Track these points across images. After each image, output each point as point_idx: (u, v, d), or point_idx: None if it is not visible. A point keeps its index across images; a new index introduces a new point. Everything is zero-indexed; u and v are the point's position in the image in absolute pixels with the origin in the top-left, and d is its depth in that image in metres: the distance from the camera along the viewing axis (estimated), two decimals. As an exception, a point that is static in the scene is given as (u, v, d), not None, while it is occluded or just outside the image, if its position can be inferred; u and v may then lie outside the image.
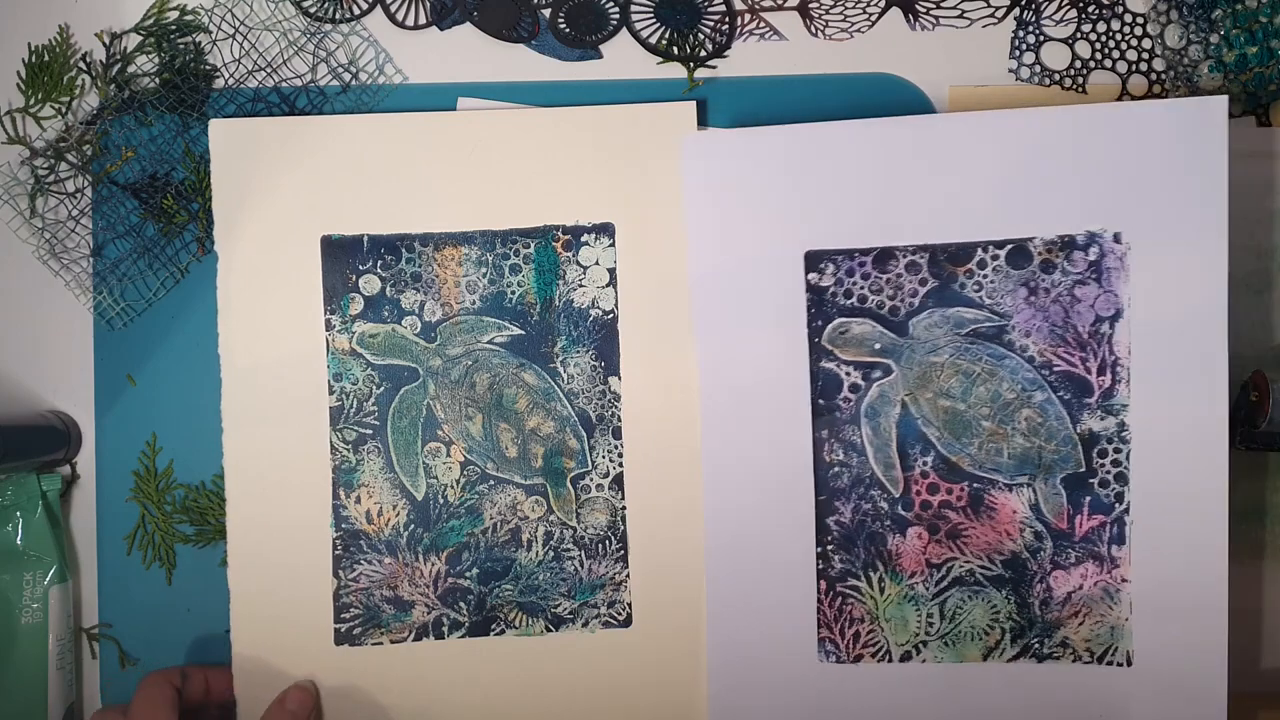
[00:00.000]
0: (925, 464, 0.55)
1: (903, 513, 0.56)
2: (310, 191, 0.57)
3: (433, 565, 0.58)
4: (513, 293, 0.57)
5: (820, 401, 0.56)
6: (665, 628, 0.57)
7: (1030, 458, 0.54)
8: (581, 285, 0.57)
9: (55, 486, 0.60)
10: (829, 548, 0.56)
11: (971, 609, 0.55)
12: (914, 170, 0.54)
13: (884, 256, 0.55)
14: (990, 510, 0.55)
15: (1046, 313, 0.54)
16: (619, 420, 0.57)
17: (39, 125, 0.60)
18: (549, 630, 0.58)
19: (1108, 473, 0.54)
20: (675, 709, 0.57)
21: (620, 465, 0.57)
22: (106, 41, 0.60)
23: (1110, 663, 0.54)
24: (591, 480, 0.58)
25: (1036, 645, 0.55)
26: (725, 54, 0.60)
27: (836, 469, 0.56)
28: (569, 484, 0.58)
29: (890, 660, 0.56)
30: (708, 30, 0.60)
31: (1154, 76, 0.59)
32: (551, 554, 0.58)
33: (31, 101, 0.60)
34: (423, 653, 0.58)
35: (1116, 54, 0.59)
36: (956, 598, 0.56)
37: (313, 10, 0.59)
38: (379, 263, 0.57)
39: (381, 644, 0.57)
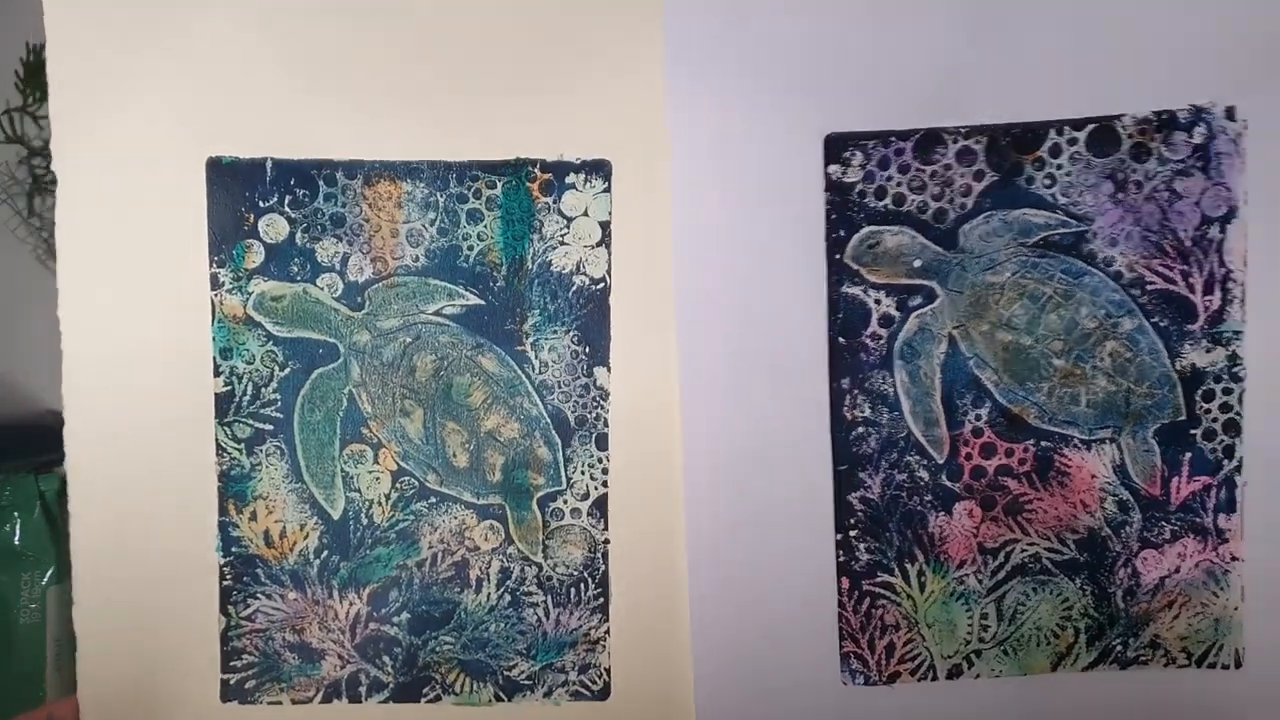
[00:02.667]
0: (978, 418, 0.43)
1: (948, 483, 0.43)
2: (192, 93, 0.45)
3: (351, 605, 0.47)
4: (470, 248, 0.46)
5: (841, 340, 0.43)
6: (654, 702, 0.46)
7: (1115, 405, 0.43)
8: (563, 243, 0.45)
9: (53, 487, 0.58)
10: (852, 534, 0.43)
11: (1037, 605, 0.44)
12: (969, 28, 0.41)
13: (928, 141, 0.42)
14: (1062, 476, 0.43)
15: (1138, 214, 0.42)
16: (605, 425, 0.46)
17: (37, 124, 0.60)
18: (500, 699, 0.47)
19: (1214, 420, 0.42)
20: None
21: (604, 485, 0.46)
22: (99, 40, 0.57)
23: (1213, 665, 0.43)
24: (565, 503, 0.46)
25: (1119, 648, 0.44)
26: None
27: (861, 429, 0.43)
28: (535, 507, 0.46)
29: (934, 678, 0.44)
30: None
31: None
32: (508, 598, 0.47)
33: (29, 101, 0.60)
34: (333, 718, 0.47)
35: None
36: (1018, 592, 0.44)
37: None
38: (287, 198, 0.45)
39: (280, 703, 0.47)
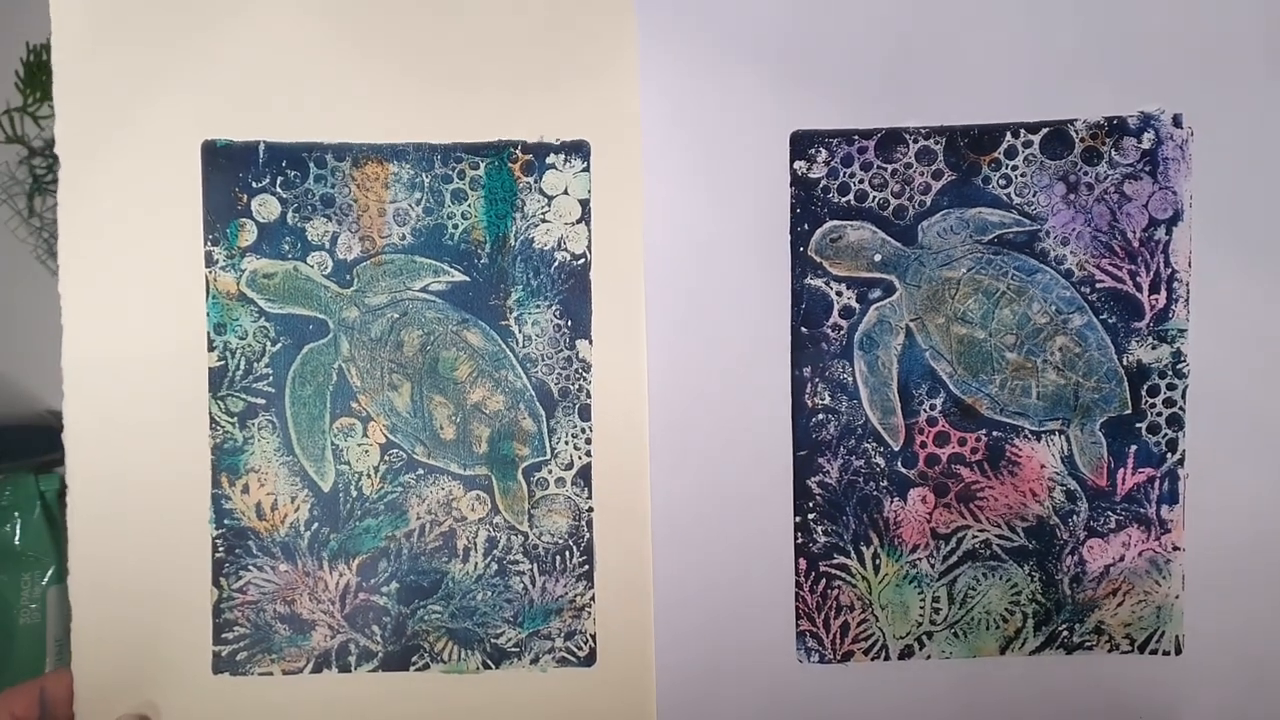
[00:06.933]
0: (933, 408, 0.45)
1: (904, 470, 0.45)
2: (191, 80, 0.46)
3: (341, 576, 0.48)
4: (455, 226, 0.47)
5: (803, 330, 0.45)
6: (638, 667, 0.47)
7: (1064, 398, 0.45)
8: (545, 220, 0.47)
9: (53, 486, 0.59)
10: (810, 517, 0.45)
11: (987, 590, 0.46)
12: (930, 32, 0.44)
13: (890, 140, 0.44)
14: (1013, 465, 0.45)
15: (1089, 215, 0.44)
16: (588, 396, 0.47)
17: (37, 124, 0.61)
18: (487, 666, 0.48)
19: (1159, 415, 0.45)
20: None
21: (588, 455, 0.47)
22: (103, 39, 0.59)
23: (1154, 651, 0.46)
24: (550, 473, 0.48)
25: (1065, 633, 0.46)
26: None
27: (821, 416, 0.45)
28: (520, 477, 0.48)
29: (887, 657, 0.46)
30: None
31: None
32: (495, 567, 0.48)
33: (30, 101, 0.60)
34: (323, 688, 0.48)
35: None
36: (969, 576, 0.46)
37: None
38: (279, 179, 0.47)
39: (271, 674, 0.48)
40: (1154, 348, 0.45)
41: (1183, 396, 0.45)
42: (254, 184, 0.47)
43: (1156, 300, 0.44)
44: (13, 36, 0.60)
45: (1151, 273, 0.44)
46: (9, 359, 0.61)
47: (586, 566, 0.47)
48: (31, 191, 0.60)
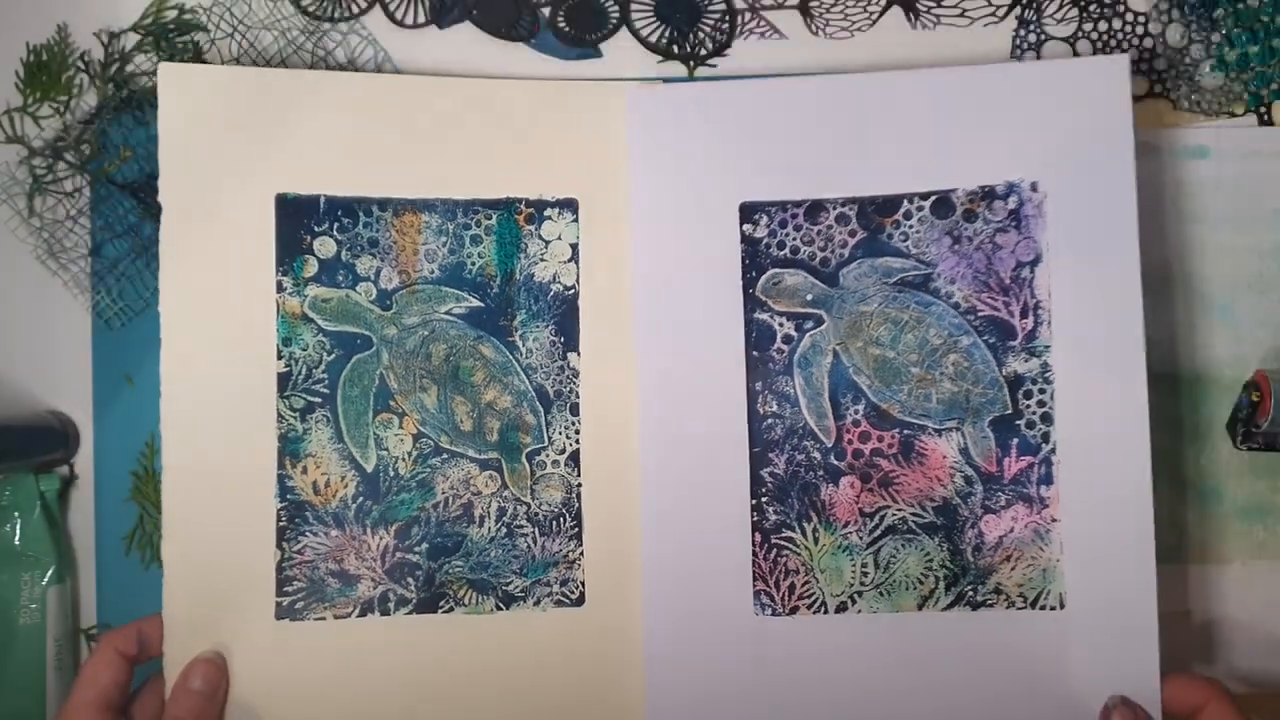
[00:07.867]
0: (857, 412, 0.57)
1: (835, 462, 0.57)
2: (266, 146, 0.56)
3: (381, 539, 0.57)
4: (473, 264, 0.57)
5: (754, 353, 0.57)
6: (618, 607, 0.57)
7: (958, 402, 0.56)
8: (543, 260, 0.58)
9: (53, 487, 0.60)
10: (763, 500, 0.57)
11: (905, 558, 0.56)
12: (844, 125, 0.57)
13: (815, 209, 0.57)
14: (921, 456, 0.57)
15: (970, 260, 0.57)
16: (577, 397, 0.57)
17: (37, 124, 0.61)
18: (499, 608, 0.57)
19: (1033, 413, 0.56)
20: (627, 688, 0.56)
21: (577, 442, 0.57)
22: (105, 40, 0.61)
23: (1043, 607, 0.56)
24: (548, 456, 0.58)
25: (970, 593, 0.56)
26: (725, 52, 0.62)
27: (770, 421, 0.57)
28: (524, 459, 0.57)
29: (826, 611, 0.57)
30: (708, 29, 0.61)
31: (1155, 75, 0.60)
32: (504, 530, 0.57)
33: (30, 101, 0.61)
34: (368, 629, 0.56)
35: (1118, 53, 0.60)
36: (890, 547, 0.57)
37: (311, 9, 0.61)
38: (335, 225, 0.57)
39: (325, 619, 0.56)
40: (1026, 361, 0.56)
41: (1051, 398, 0.56)
42: (316, 228, 0.56)
43: (1026, 324, 0.56)
44: (13, 36, 0.61)
45: (1021, 303, 0.56)
46: (9, 359, 0.61)
47: (576, 529, 0.57)
48: (31, 192, 0.60)
